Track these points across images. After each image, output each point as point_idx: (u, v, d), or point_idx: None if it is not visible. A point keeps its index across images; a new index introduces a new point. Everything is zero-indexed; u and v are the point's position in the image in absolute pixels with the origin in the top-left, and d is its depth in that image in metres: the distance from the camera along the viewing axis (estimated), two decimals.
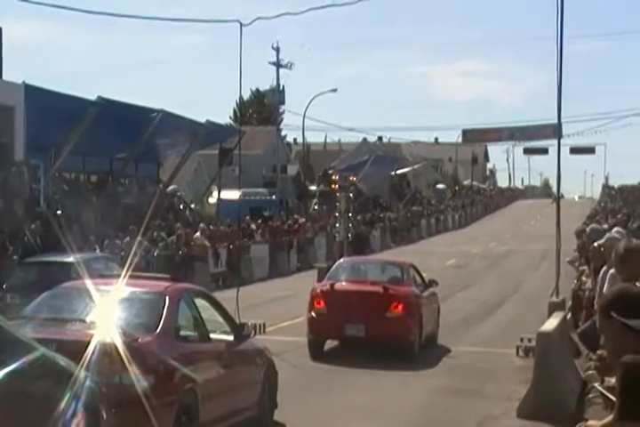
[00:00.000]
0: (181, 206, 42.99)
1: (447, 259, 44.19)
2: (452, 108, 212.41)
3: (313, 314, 18.42)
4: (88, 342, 9.13)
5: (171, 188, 43.25)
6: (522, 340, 18.45)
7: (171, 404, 9.80)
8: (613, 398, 4.53)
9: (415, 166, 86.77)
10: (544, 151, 57.11)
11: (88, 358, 8.75)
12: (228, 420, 11.29)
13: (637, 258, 9.29)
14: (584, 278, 17.90)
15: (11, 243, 24.74)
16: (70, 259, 19.42)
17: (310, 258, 41.60)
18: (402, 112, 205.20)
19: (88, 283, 11.03)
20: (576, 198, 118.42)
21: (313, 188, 63.47)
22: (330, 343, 18.87)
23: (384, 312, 17.99)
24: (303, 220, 46.43)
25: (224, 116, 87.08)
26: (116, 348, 9.30)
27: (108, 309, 10.37)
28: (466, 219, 79.40)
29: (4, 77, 31.42)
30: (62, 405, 7.12)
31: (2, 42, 32.00)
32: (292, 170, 65.16)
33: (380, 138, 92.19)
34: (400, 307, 18.10)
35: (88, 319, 10.16)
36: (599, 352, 6.11)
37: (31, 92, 29.73)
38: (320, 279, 21.51)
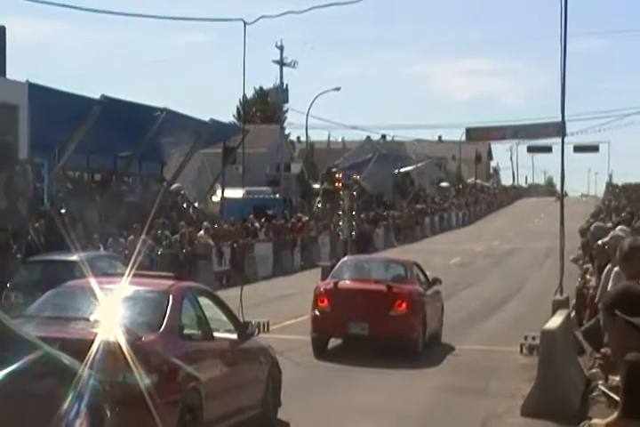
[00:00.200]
0: (185, 205, 42.99)
1: (451, 257, 44.18)
2: (455, 107, 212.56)
3: (317, 312, 18.42)
4: (92, 341, 9.13)
5: (174, 186, 43.24)
6: (526, 338, 18.44)
7: (174, 402, 9.80)
8: (617, 398, 4.53)
9: (419, 164, 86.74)
10: (548, 149, 57.13)
11: (92, 357, 8.75)
12: (232, 418, 11.29)
13: None
14: (588, 276, 17.88)
15: (15, 241, 24.76)
16: (74, 257, 19.45)
17: (314, 256, 41.61)
18: (405, 110, 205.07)
19: (92, 281, 11.04)
20: (580, 197, 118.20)
21: (316, 186, 63.45)
22: (333, 342, 18.87)
23: (388, 310, 17.99)
24: (307, 218, 46.44)
25: (228, 115, 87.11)
26: (120, 346, 9.29)
27: (111, 307, 10.37)
28: (469, 217, 79.37)
29: (8, 76, 31.40)
30: (66, 403, 7.12)
31: (5, 41, 31.99)
32: (296, 168, 65.14)
33: (383, 136, 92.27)
34: (404, 305, 18.09)
35: (92, 318, 10.16)
36: (603, 350, 6.10)
37: (35, 90, 29.71)
38: (324, 278, 21.50)
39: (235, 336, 11.71)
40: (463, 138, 71.10)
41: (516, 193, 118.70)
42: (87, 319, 10.17)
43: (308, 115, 62.46)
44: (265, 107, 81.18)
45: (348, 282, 18.95)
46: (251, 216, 41.85)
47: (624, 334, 4.57)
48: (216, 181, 50.60)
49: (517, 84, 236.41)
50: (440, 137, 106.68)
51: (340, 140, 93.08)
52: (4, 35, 32.02)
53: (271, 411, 12.29)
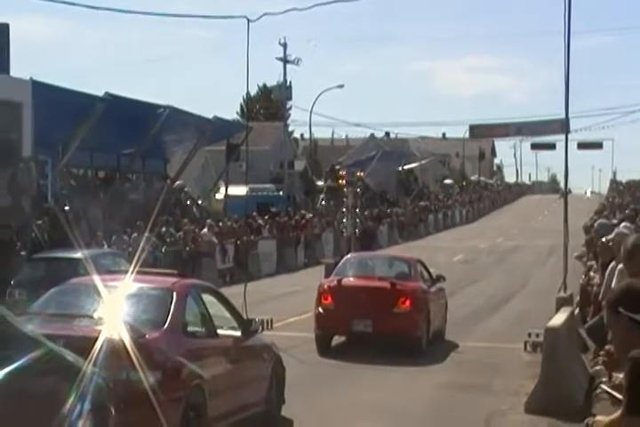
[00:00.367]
0: (188, 202, 43.00)
1: (454, 254, 44.15)
2: (459, 104, 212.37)
3: (320, 310, 18.42)
4: (95, 338, 9.13)
5: (178, 183, 43.24)
6: (529, 335, 18.44)
7: (178, 400, 9.80)
8: (619, 397, 4.53)
9: (422, 162, 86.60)
10: (551, 146, 57.01)
11: (95, 354, 8.76)
12: (236, 416, 11.29)
13: None
14: (592, 274, 17.87)
15: (18, 239, 24.78)
16: (78, 255, 19.46)
17: (318, 254, 41.61)
18: (408, 107, 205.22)
19: (96, 279, 11.04)
20: (588, 193, 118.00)
21: (320, 183, 63.46)
22: (337, 339, 18.88)
23: (391, 308, 17.99)
24: (310, 215, 46.41)
25: (231, 112, 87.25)
26: (124, 344, 9.30)
27: (115, 305, 10.37)
28: (473, 214, 79.34)
29: (12, 74, 31.39)
30: (70, 400, 7.14)
31: (9, 38, 32.00)
32: (300, 166, 65.07)
33: (387, 133, 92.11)
34: (407, 302, 18.09)
35: (96, 315, 10.16)
36: (607, 347, 6.10)
37: (39, 88, 29.72)
38: (327, 275, 21.51)
39: (238, 334, 11.71)
40: (467, 135, 71.19)
41: (519, 190, 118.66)
42: (91, 317, 10.18)
43: (311, 112, 62.59)
44: (268, 104, 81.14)
45: (351, 279, 18.96)
46: (254, 213, 41.86)
47: (628, 332, 4.57)
48: (219, 179, 50.61)
49: (522, 81, 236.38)
50: (444, 134, 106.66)
51: (343, 137, 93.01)
52: (8, 32, 32.01)
53: (275, 408, 12.29)
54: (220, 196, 50.45)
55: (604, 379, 10.97)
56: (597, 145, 66.89)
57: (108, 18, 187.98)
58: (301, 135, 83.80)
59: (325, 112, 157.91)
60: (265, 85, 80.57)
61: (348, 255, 21.62)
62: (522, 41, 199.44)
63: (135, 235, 28.31)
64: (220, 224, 35.86)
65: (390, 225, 55.02)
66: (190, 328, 10.67)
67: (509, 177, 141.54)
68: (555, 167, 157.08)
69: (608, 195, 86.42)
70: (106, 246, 26.18)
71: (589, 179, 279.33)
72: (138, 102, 37.10)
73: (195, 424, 10.03)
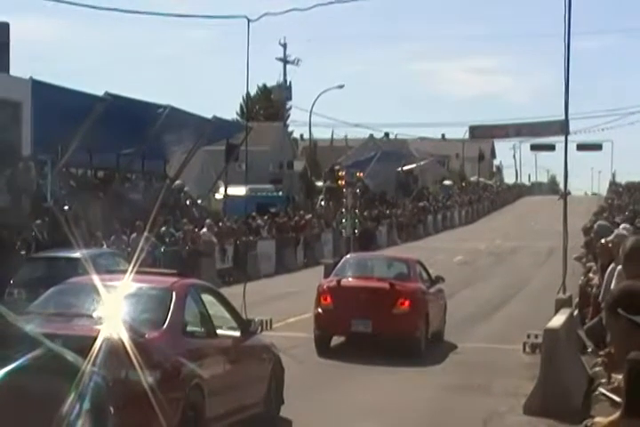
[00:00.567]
0: (188, 202, 42.99)
1: (454, 255, 44.14)
2: (459, 105, 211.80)
3: (319, 310, 18.43)
4: (95, 338, 9.13)
5: (177, 183, 43.24)
6: (529, 336, 18.44)
7: (177, 400, 9.81)
8: (618, 400, 4.53)
9: (422, 162, 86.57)
10: (551, 148, 56.95)
11: (95, 354, 8.76)
12: (235, 416, 11.30)
13: None
14: (591, 275, 17.87)
15: (18, 238, 24.77)
16: (77, 255, 19.44)
17: (317, 254, 41.60)
18: (408, 108, 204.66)
19: (95, 278, 11.05)
20: (589, 194, 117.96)
21: (319, 184, 63.41)
22: (336, 339, 18.88)
23: (391, 308, 18.00)
24: (310, 216, 46.40)
25: (231, 112, 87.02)
26: (123, 343, 9.31)
27: (114, 304, 10.38)
28: (472, 215, 79.31)
29: (12, 73, 31.43)
30: (69, 400, 7.13)
31: (9, 37, 32.03)
32: (299, 166, 65.09)
33: (386, 134, 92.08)
34: (406, 303, 18.10)
35: (95, 315, 10.18)
36: (606, 349, 6.11)
37: (38, 87, 29.73)
38: (327, 275, 21.51)
39: (238, 334, 11.72)
40: (467, 136, 71.23)
41: (518, 191, 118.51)
42: (90, 316, 10.19)
43: (311, 112, 62.62)
44: (268, 104, 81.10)
45: (350, 280, 18.96)
46: (253, 214, 41.85)
47: (627, 333, 4.58)
48: (219, 179, 50.57)
49: (522, 83, 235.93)
50: (443, 135, 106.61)
51: (343, 137, 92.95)
52: (8, 31, 32.06)
53: (274, 409, 12.30)
54: (219, 196, 50.40)
55: (602, 380, 10.97)
56: (597, 147, 66.84)
57: (109, 18, 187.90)
58: (301, 136, 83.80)
59: (325, 112, 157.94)
60: (265, 86, 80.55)
61: (348, 256, 21.63)
62: (522, 42, 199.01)
63: (134, 235, 28.30)
64: (220, 224, 35.86)
65: (389, 226, 55.02)
66: (190, 328, 10.68)
67: (509, 178, 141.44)
68: (554, 168, 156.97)
69: (607, 196, 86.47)
70: (105, 246, 26.16)
71: (589, 180, 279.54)
72: (137, 102, 37.08)
73: (194, 424, 10.03)
